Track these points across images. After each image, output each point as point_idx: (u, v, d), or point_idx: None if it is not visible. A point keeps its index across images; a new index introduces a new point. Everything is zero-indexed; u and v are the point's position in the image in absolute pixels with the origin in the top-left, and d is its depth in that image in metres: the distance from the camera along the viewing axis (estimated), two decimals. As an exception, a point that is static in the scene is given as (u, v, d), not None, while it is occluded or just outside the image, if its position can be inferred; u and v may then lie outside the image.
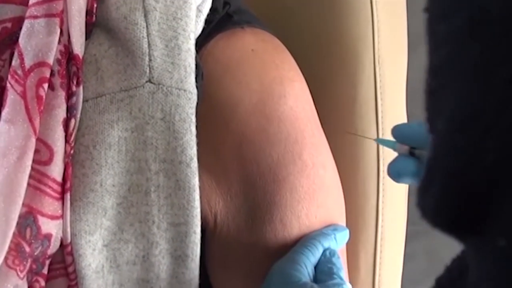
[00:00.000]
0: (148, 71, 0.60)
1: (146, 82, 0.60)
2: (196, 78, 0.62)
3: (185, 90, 0.61)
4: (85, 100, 0.61)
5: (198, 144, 0.62)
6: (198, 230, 0.62)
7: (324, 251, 0.64)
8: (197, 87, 0.62)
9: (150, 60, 0.60)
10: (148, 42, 0.60)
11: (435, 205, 0.30)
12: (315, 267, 0.63)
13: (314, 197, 0.65)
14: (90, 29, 0.63)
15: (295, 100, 0.66)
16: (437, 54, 0.31)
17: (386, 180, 0.80)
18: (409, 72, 0.83)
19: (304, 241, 0.64)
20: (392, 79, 0.80)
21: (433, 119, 0.32)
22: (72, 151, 0.60)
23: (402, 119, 0.83)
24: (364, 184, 0.80)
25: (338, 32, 0.78)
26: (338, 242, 0.66)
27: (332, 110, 0.79)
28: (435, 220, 0.30)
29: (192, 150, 0.61)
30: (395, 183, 0.76)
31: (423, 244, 1.31)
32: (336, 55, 0.79)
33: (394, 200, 0.81)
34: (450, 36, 0.30)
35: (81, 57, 0.61)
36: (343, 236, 0.67)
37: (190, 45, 0.63)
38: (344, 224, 0.70)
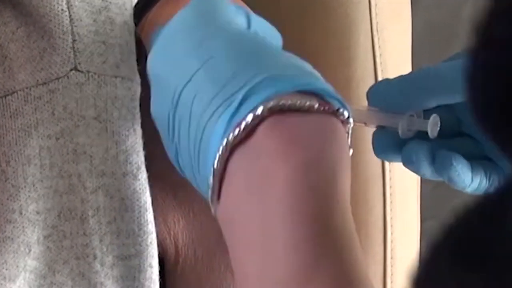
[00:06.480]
0: (72, 55, 0.55)
1: (71, 70, 0.56)
2: (137, 60, 0.58)
3: (123, 78, 0.56)
4: None
5: (144, 145, 0.57)
6: (155, 262, 0.57)
7: None
8: (139, 71, 0.57)
9: (74, 40, 0.55)
10: (70, 16, 0.55)
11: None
12: None
13: None
14: None
15: None
16: None
17: (394, 181, 0.76)
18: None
19: None
20: (395, 49, 0.77)
21: None
22: None
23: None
24: (366, 187, 0.76)
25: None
26: None
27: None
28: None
29: (138, 156, 0.56)
30: (405, 184, 0.77)
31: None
32: (322, 25, 0.76)
33: (405, 205, 0.78)
34: None
35: None
36: None
37: (126, 17, 0.57)
38: None
